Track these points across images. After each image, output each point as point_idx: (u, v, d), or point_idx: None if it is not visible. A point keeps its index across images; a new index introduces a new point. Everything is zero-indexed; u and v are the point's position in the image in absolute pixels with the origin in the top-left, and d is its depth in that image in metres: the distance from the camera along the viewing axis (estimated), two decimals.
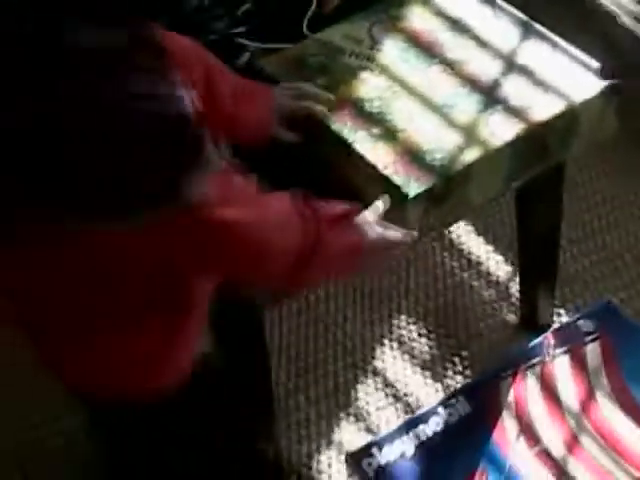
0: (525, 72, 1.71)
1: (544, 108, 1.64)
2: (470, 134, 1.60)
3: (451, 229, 2.45)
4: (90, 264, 1.17)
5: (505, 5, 1.84)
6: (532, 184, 1.83)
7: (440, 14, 1.83)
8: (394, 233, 1.44)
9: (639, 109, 2.20)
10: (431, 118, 1.63)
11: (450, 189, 1.56)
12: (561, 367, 1.97)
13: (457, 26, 1.81)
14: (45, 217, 1.05)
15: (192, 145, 1.06)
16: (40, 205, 1.03)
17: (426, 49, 1.76)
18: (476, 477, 1.82)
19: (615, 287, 2.27)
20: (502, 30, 1.79)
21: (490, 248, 2.42)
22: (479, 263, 2.39)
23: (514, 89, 1.67)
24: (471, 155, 1.57)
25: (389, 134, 1.60)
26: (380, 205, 1.46)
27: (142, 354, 1.32)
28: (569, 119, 1.66)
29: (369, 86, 1.69)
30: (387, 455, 1.86)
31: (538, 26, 1.78)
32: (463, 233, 2.46)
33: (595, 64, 1.71)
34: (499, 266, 2.38)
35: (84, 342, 1.29)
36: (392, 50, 1.76)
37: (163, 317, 1.28)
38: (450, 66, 1.72)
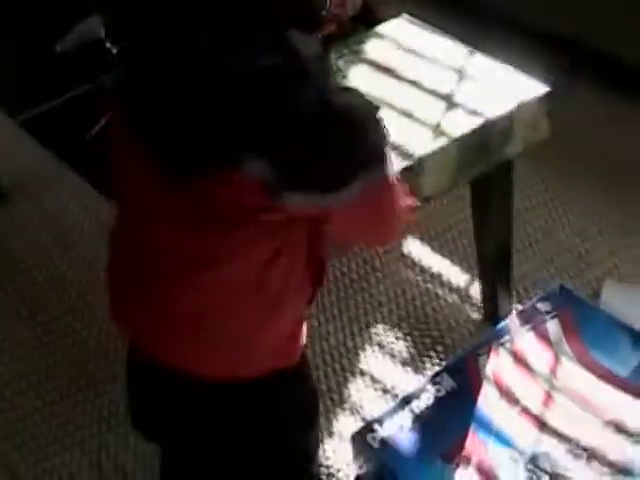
0: (471, 84, 2.02)
1: (486, 111, 1.94)
2: (424, 133, 1.90)
3: (411, 250, 2.74)
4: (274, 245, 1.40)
5: (449, 36, 2.16)
6: (485, 180, 2.15)
7: (395, 44, 2.15)
8: None
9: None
10: (393, 122, 1.91)
11: (405, 179, 1.80)
12: (528, 342, 2.24)
13: (411, 52, 2.12)
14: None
15: (385, 131, 1.37)
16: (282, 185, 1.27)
17: (386, 72, 2.07)
18: (469, 437, 2.06)
19: (562, 280, 2.57)
20: (449, 54, 2.10)
21: (447, 262, 2.71)
22: (440, 275, 2.67)
23: (462, 97, 1.99)
24: (423, 150, 1.86)
25: None
26: None
27: (287, 334, 1.51)
28: (507, 120, 1.96)
29: None
30: (388, 429, 2.10)
31: (479, 52, 2.11)
32: (422, 252, 2.75)
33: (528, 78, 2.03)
34: (458, 275, 2.66)
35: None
36: (356, 75, 2.06)
37: (311, 292, 1.51)
38: (408, 82, 2.02)
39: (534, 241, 2.74)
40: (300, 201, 1.30)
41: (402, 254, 2.73)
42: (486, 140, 1.97)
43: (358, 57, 2.13)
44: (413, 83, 2.03)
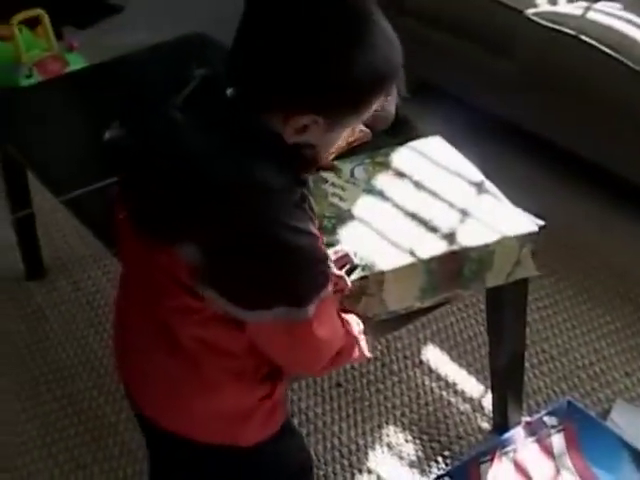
0: (462, 213, 2.06)
1: (464, 240, 1.98)
2: (394, 249, 1.95)
3: (429, 357, 2.82)
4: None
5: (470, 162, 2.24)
6: (500, 296, 2.22)
7: (419, 162, 2.24)
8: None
9: None
10: (371, 237, 1.99)
11: (365, 286, 1.88)
12: (531, 453, 2.31)
13: (424, 173, 2.19)
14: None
15: (327, 277, 1.47)
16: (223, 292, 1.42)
17: (390, 188, 2.14)
18: None
19: (574, 397, 2.62)
20: (457, 181, 2.17)
21: (464, 372, 2.78)
22: (455, 383, 2.74)
23: (446, 222, 2.03)
24: (389, 264, 1.91)
25: (332, 243, 1.94)
26: None
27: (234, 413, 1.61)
28: (484, 252, 1.99)
29: (332, 208, 2.06)
30: None
31: (489, 181, 2.16)
32: (440, 360, 2.82)
33: (522, 215, 2.06)
34: (472, 386, 2.72)
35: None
36: (362, 184, 2.14)
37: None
38: (400, 205, 2.09)
39: (550, 358, 2.80)
40: (214, 299, 1.43)
41: (420, 361, 2.81)
42: (458, 267, 1.99)
43: (374, 168, 2.20)
44: (406, 204, 2.09)
